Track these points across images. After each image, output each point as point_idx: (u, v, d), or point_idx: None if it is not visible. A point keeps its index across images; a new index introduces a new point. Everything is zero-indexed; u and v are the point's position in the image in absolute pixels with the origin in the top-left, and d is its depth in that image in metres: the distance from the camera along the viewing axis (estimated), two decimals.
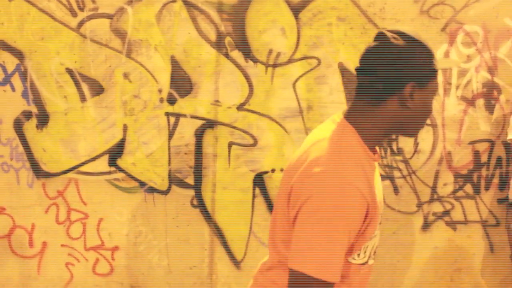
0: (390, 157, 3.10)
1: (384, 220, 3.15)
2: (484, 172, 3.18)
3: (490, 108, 3.15)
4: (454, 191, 3.18)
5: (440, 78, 3.07)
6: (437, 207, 3.18)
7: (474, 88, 3.12)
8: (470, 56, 3.09)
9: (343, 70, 3.04)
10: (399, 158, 3.11)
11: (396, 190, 3.13)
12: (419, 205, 3.16)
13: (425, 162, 3.13)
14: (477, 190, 3.21)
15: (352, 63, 3.03)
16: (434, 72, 1.27)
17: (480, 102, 3.14)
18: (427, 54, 1.25)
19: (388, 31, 1.26)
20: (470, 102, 3.12)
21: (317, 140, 1.23)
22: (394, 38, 1.24)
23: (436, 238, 3.21)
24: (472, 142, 3.15)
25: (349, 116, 1.28)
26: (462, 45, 3.08)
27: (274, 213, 1.38)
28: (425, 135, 3.10)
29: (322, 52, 3.03)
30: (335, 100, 3.06)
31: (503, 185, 3.16)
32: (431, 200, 3.16)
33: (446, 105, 3.10)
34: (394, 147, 3.09)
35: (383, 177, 3.09)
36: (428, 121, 3.10)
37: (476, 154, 3.17)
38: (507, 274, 3.19)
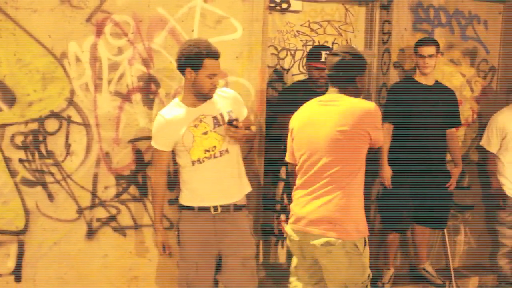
0: (39, 160, 2.83)
1: (42, 230, 2.89)
2: (149, 172, 2.98)
3: (149, 103, 2.94)
4: (118, 194, 2.95)
5: (88, 73, 2.84)
6: (101, 213, 2.95)
7: (129, 82, 2.90)
8: (122, 47, 2.87)
9: None
10: (49, 161, 2.84)
11: (50, 196, 2.86)
12: (80, 211, 2.91)
13: (80, 165, 2.88)
14: (144, 192, 2.99)
15: None
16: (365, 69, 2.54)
17: (137, 96, 2.92)
18: (364, 59, 2.48)
19: (350, 47, 2.52)
20: (126, 97, 2.90)
21: (352, 105, 2.35)
22: (352, 49, 2.47)
23: (105, 246, 2.97)
24: (133, 141, 2.94)
25: (341, 92, 2.44)
26: (111, 37, 2.85)
27: (334, 162, 2.36)
28: (77, 136, 2.85)
29: None
30: None
31: (173, 186, 2.97)
32: (92, 206, 2.92)
33: (99, 102, 2.86)
34: (43, 150, 2.83)
35: (34, 183, 2.83)
36: (80, 120, 2.85)
37: (139, 153, 2.95)
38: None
